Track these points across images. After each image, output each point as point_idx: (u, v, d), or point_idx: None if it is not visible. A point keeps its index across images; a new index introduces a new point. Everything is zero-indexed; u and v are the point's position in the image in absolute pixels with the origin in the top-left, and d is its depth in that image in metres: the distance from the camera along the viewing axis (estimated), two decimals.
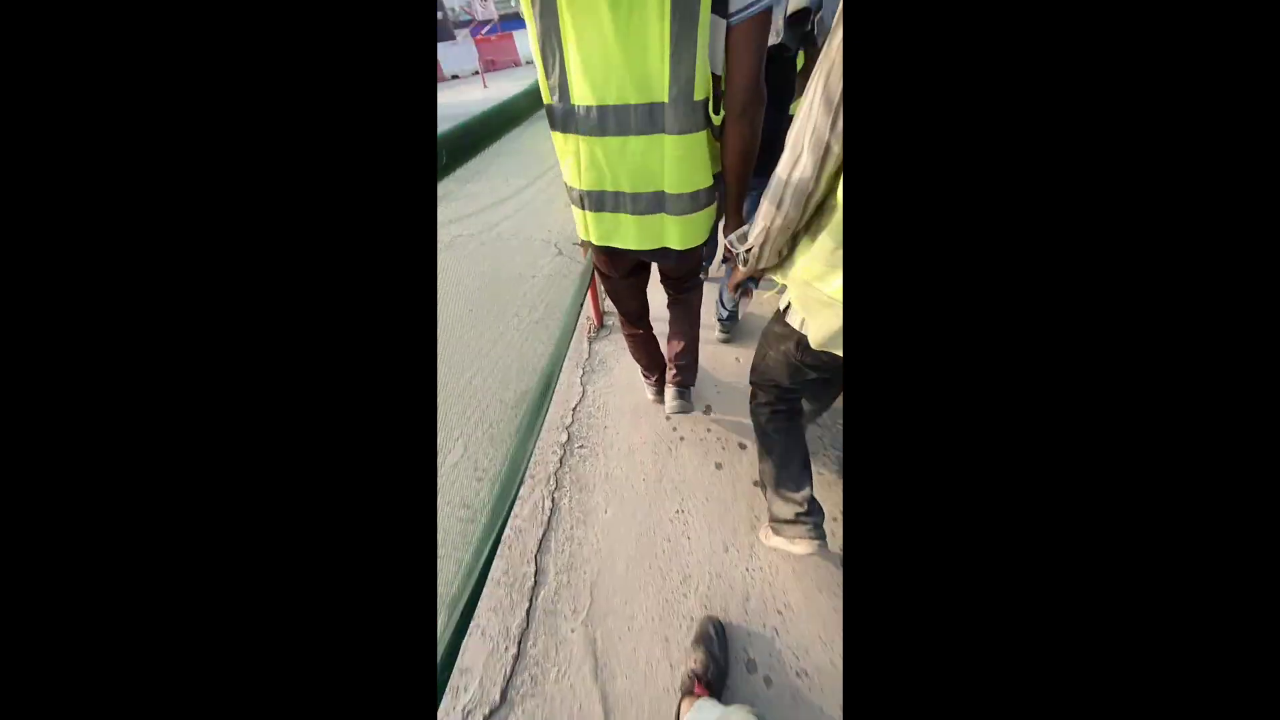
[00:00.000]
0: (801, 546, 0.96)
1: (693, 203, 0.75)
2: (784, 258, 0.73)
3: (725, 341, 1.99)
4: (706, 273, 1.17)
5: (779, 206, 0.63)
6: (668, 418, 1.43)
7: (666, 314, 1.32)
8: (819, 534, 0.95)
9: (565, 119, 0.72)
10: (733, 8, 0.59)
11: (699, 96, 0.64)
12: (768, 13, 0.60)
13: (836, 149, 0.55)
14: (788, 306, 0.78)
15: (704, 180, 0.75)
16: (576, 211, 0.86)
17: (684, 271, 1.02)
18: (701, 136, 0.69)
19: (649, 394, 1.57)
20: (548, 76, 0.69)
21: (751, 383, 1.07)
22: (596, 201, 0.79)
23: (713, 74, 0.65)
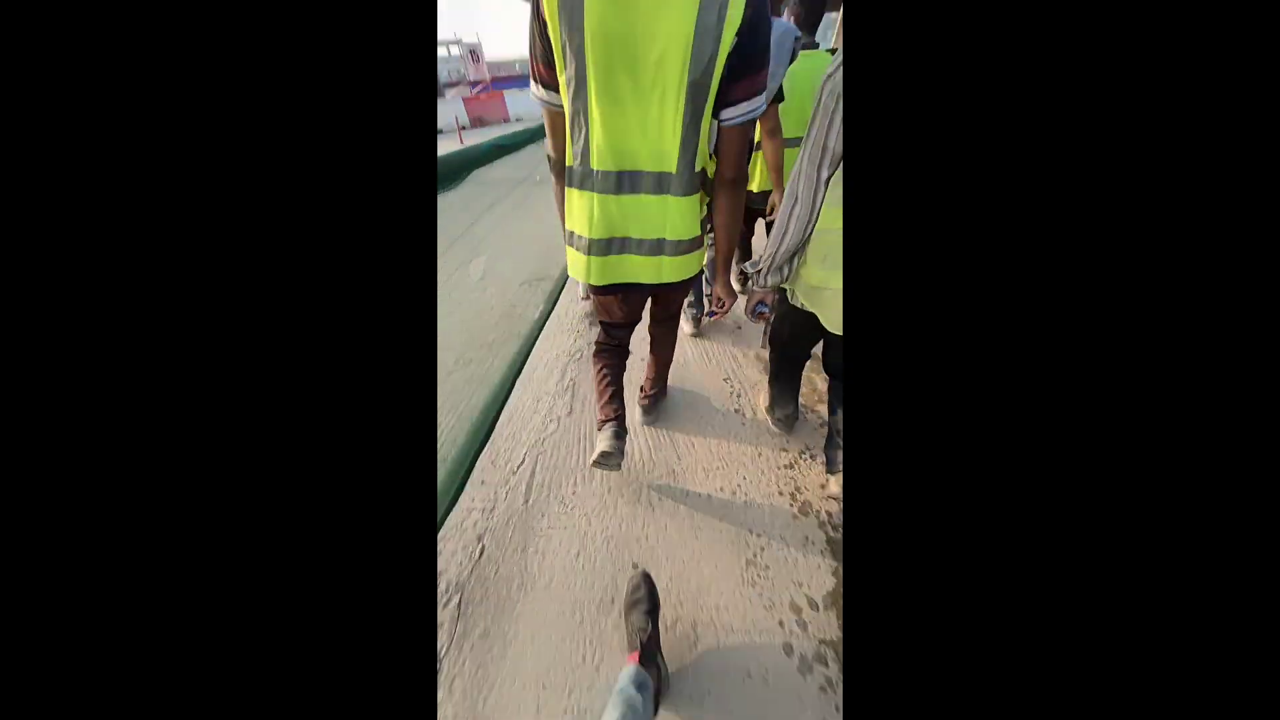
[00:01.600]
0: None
1: (689, 246, 0.95)
2: (785, 277, 1.04)
3: (695, 336, 2.15)
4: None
5: (785, 235, 0.95)
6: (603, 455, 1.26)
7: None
8: (787, 429, 1.49)
9: (584, 179, 0.87)
10: (725, 116, 0.79)
11: (698, 168, 0.85)
12: (751, 120, 0.81)
13: (823, 192, 0.87)
14: (792, 297, 1.10)
15: (695, 231, 0.94)
16: (578, 256, 0.98)
17: (674, 299, 1.23)
18: (696, 198, 0.90)
19: (604, 442, 1.26)
20: (574, 144, 0.85)
21: (770, 343, 1.42)
22: (604, 247, 0.94)
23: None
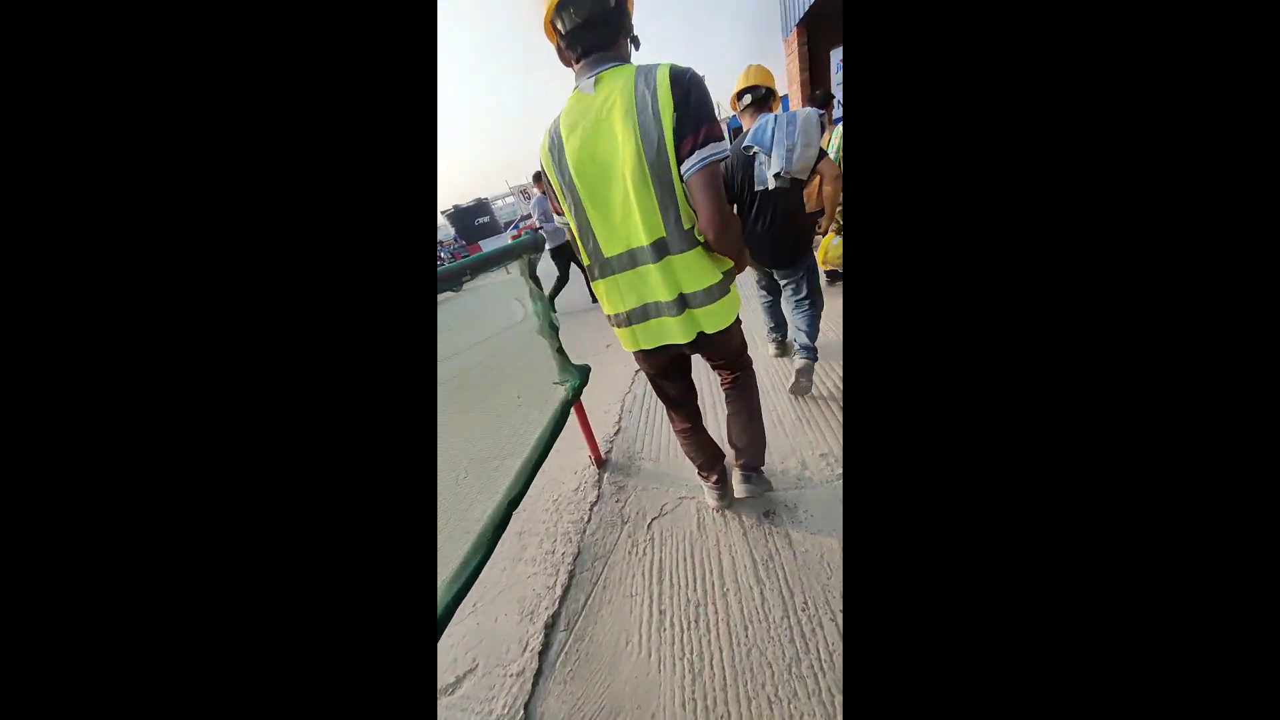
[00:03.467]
0: None
1: (707, 296, 0.98)
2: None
3: (778, 356, 2.30)
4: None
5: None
6: (735, 500, 1.36)
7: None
8: None
9: (603, 268, 1.02)
10: (683, 170, 0.85)
11: (687, 226, 0.92)
12: (709, 165, 0.84)
13: None
14: None
15: (712, 278, 0.98)
16: (622, 332, 1.10)
17: (729, 354, 1.19)
18: (699, 251, 0.94)
19: (710, 500, 1.44)
20: (585, 247, 1.02)
21: None
22: (640, 315, 1.04)
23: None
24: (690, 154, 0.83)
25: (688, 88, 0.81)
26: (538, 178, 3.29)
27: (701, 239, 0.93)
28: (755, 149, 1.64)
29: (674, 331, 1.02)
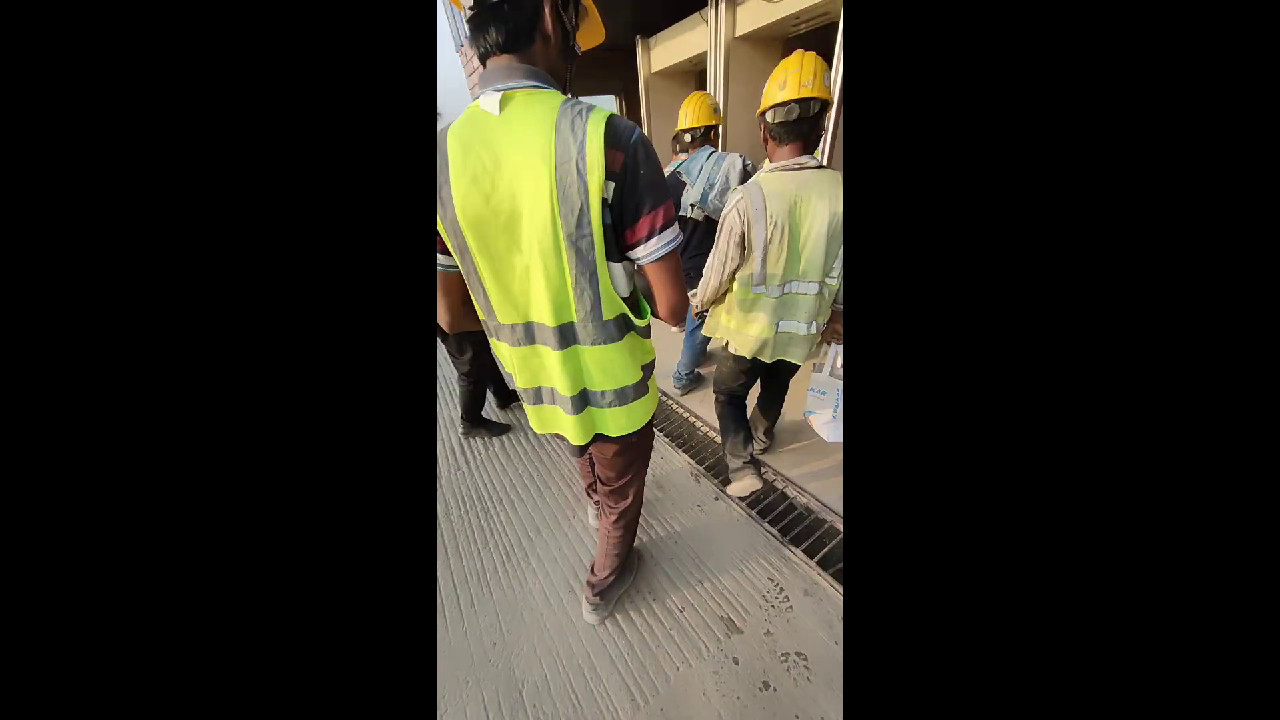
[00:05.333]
0: (749, 481, 1.44)
1: (619, 398, 0.83)
2: (714, 305, 1.36)
3: (683, 394, 2.30)
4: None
5: (706, 283, 1.28)
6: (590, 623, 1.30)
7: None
8: (759, 475, 1.45)
9: (497, 331, 0.80)
10: (637, 256, 0.69)
11: (608, 317, 0.73)
12: (672, 252, 0.69)
13: (732, 265, 1.20)
14: (725, 344, 1.38)
15: (628, 379, 0.82)
16: (525, 404, 0.93)
17: (614, 460, 1.01)
18: (619, 346, 0.77)
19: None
20: (477, 300, 0.78)
21: (714, 391, 1.60)
22: (535, 396, 0.87)
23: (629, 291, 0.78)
24: (649, 239, 0.65)
25: (634, 155, 0.60)
26: None
27: (639, 323, 0.78)
28: (683, 176, 1.73)
29: (566, 428, 0.85)
